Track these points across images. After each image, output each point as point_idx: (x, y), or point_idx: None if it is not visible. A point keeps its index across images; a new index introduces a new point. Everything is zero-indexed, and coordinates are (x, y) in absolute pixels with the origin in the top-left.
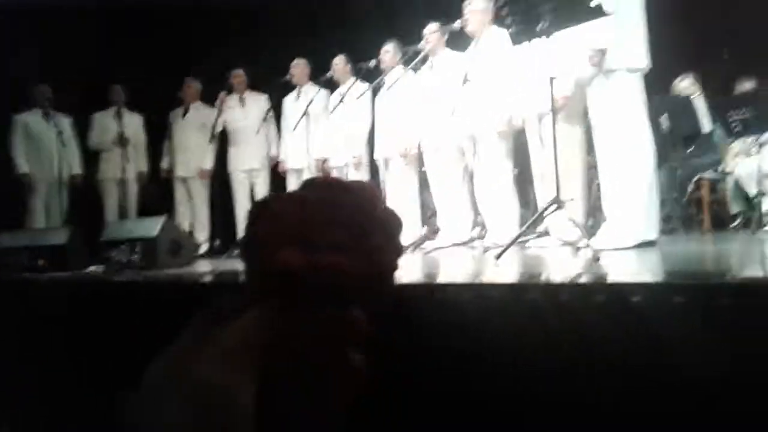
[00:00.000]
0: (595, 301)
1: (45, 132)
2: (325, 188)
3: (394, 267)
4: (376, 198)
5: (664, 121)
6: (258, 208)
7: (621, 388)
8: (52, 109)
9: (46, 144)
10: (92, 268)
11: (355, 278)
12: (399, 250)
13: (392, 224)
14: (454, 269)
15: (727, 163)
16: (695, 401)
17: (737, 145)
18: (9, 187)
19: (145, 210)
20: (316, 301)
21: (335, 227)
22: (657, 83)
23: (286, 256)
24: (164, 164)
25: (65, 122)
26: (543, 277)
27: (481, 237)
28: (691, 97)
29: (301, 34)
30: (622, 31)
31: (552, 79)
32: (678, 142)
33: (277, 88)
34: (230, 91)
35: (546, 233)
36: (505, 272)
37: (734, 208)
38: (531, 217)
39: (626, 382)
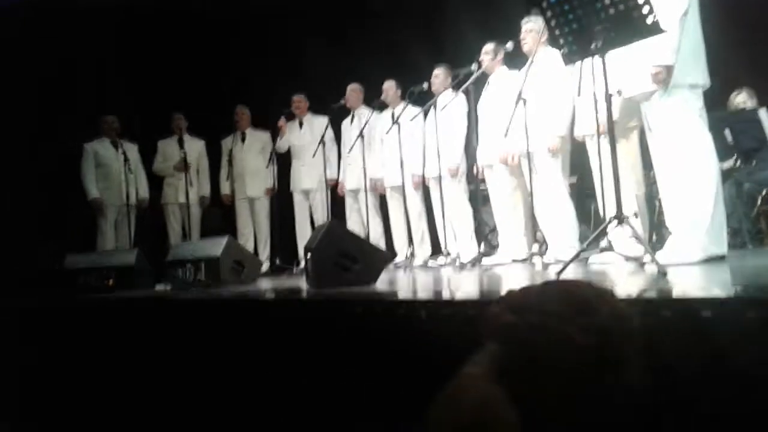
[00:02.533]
0: (663, 317)
1: (113, 159)
2: (563, 290)
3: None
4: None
5: (728, 134)
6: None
7: (691, 405)
8: (119, 137)
9: (114, 170)
10: (159, 287)
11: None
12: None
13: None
14: (515, 285)
15: None
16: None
17: None
18: (81, 212)
19: (207, 232)
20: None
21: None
22: (714, 98)
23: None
24: (225, 189)
25: (132, 149)
26: None
27: (541, 253)
28: (758, 109)
29: (355, 58)
30: (683, 47)
31: (610, 95)
32: (743, 155)
33: (333, 113)
34: (291, 117)
35: (608, 249)
36: None
37: None
38: (591, 233)
39: (697, 400)
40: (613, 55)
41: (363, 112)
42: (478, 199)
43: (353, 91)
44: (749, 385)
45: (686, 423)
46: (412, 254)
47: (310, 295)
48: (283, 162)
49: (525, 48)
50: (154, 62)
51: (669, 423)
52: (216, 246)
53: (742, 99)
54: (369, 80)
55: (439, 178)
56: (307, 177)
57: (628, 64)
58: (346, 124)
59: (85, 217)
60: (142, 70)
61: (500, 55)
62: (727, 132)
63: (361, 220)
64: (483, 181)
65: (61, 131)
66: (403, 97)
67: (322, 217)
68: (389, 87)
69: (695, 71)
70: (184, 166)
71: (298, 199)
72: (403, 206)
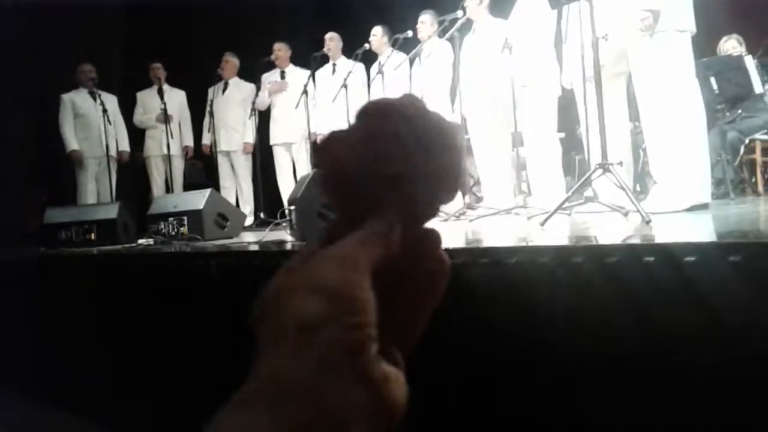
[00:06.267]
0: (646, 262)
1: (92, 110)
2: (378, 117)
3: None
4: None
5: (714, 82)
6: (318, 152)
7: (673, 348)
8: (97, 87)
9: (93, 122)
10: (142, 241)
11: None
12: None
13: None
14: (499, 235)
15: None
16: (750, 359)
17: None
18: (61, 165)
19: (191, 185)
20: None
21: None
22: (702, 45)
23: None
24: (206, 140)
25: (111, 100)
26: (591, 240)
27: (525, 205)
28: (744, 55)
29: (334, 7)
30: None
31: (598, 39)
32: (728, 103)
33: (315, 62)
34: (272, 66)
35: (593, 199)
36: (551, 236)
37: None
38: (576, 184)
39: (679, 342)
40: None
41: (344, 62)
42: (463, 149)
43: (334, 39)
44: (730, 326)
45: (669, 365)
46: None
47: (293, 246)
48: (265, 116)
49: None
50: (133, 10)
51: (653, 365)
52: (198, 199)
53: (731, 45)
54: (351, 29)
55: None
56: (289, 130)
57: (613, 8)
58: (324, 74)
59: (64, 170)
60: (121, 17)
61: (486, 2)
62: (713, 80)
63: None
64: (467, 131)
65: (37, 81)
66: (390, 45)
67: (305, 169)
68: (377, 33)
69: (683, 15)
70: (165, 117)
71: (280, 151)
72: None
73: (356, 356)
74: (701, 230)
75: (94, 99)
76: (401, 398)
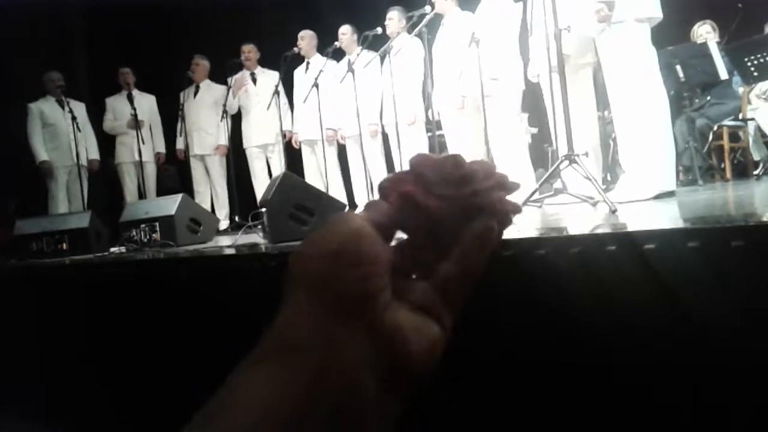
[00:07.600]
0: (608, 251)
1: (60, 119)
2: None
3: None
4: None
5: (680, 69)
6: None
7: (636, 337)
8: (65, 95)
9: (62, 130)
10: (114, 249)
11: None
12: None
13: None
14: None
15: (747, 109)
16: (711, 345)
17: (756, 91)
18: (31, 175)
19: (165, 190)
20: None
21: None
22: (675, 32)
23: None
24: (179, 144)
25: (79, 108)
26: (557, 231)
27: None
28: (708, 42)
29: (306, 5)
30: None
31: (560, 31)
32: (695, 91)
33: (285, 61)
34: (240, 68)
35: (562, 190)
36: (519, 228)
37: (756, 154)
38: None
39: (642, 330)
40: None
41: (317, 60)
42: (436, 145)
43: (305, 38)
44: (689, 311)
45: (634, 349)
46: None
47: (266, 249)
48: (238, 118)
49: None
50: (99, 14)
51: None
52: (170, 204)
53: (705, 30)
54: (322, 27)
55: (396, 126)
56: (263, 132)
57: (576, 1)
58: (299, 72)
59: (35, 181)
60: (86, 22)
61: None
62: (678, 68)
63: (319, 171)
64: (439, 124)
65: (1, 88)
66: (359, 43)
67: (279, 170)
68: (345, 32)
69: (642, 5)
70: (135, 123)
71: (255, 153)
72: (362, 156)
73: (364, 305)
74: (665, 217)
75: (63, 107)
76: (419, 348)
